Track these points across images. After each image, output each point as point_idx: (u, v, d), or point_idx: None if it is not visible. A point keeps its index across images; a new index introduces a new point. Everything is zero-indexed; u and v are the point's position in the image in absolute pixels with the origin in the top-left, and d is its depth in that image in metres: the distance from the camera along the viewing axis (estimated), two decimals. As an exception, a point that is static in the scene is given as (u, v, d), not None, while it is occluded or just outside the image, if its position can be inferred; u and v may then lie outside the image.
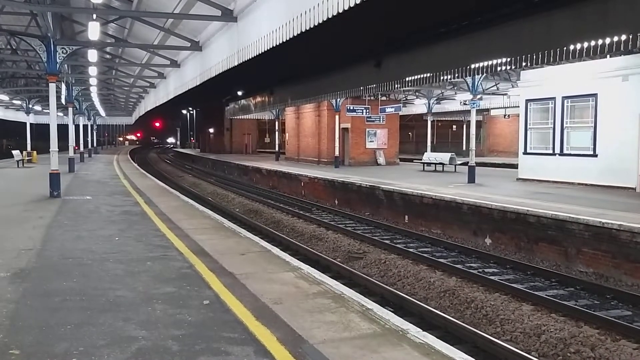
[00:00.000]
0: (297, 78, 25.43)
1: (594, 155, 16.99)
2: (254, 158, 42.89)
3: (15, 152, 31.61)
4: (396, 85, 18.43)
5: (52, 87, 15.53)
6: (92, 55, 20.27)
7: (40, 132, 49.22)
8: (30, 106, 40.38)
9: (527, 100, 19.35)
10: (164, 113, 77.80)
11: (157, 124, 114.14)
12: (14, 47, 22.37)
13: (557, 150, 18.22)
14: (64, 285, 6.33)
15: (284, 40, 10.60)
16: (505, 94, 32.15)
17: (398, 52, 16.59)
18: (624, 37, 9.62)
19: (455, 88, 30.13)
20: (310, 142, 33.91)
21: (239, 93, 38.15)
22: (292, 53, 15.62)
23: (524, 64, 12.13)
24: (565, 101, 17.89)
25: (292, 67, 22.85)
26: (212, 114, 55.46)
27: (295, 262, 7.76)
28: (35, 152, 36.21)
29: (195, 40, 17.77)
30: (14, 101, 43.34)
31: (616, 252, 10.10)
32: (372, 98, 30.65)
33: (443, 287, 9.54)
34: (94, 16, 14.86)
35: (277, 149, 40.19)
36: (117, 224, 10.82)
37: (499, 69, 13.65)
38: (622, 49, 9.92)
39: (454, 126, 54.99)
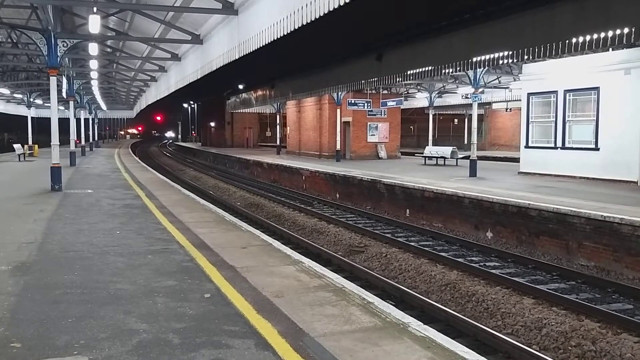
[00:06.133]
0: (298, 71, 25.37)
1: (596, 149, 16.94)
2: (255, 152, 42.85)
3: (17, 146, 31.62)
4: (397, 79, 18.37)
5: (53, 80, 15.51)
6: (93, 48, 20.20)
7: (42, 125, 49.21)
8: (32, 100, 40.33)
9: (529, 94, 19.29)
10: (165, 107, 77.68)
11: (159, 118, 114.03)
12: (14, 41, 22.29)
13: (559, 144, 18.17)
14: (65, 278, 6.34)
15: (285, 34, 10.56)
16: (507, 88, 32.04)
17: (399, 45, 16.53)
18: (626, 31, 9.59)
19: (456, 81, 30.06)
20: (311, 136, 33.86)
21: (240, 86, 38.11)
22: (293, 46, 15.57)
23: (525, 57, 12.09)
24: (567, 95, 17.82)
25: (293, 61, 22.81)
26: (213, 107, 55.38)
27: (296, 255, 7.76)
28: (36, 146, 36.29)
29: (196, 33, 17.71)
30: (15, 95, 43.29)
31: (617, 246, 10.09)
32: (373, 92, 30.58)
33: (444, 281, 9.55)
34: (95, 9, 14.80)
35: (278, 142, 40.17)
36: (118, 217, 10.83)
37: (500, 62, 13.60)
38: (624, 42, 9.88)
39: (456, 120, 54.78)
